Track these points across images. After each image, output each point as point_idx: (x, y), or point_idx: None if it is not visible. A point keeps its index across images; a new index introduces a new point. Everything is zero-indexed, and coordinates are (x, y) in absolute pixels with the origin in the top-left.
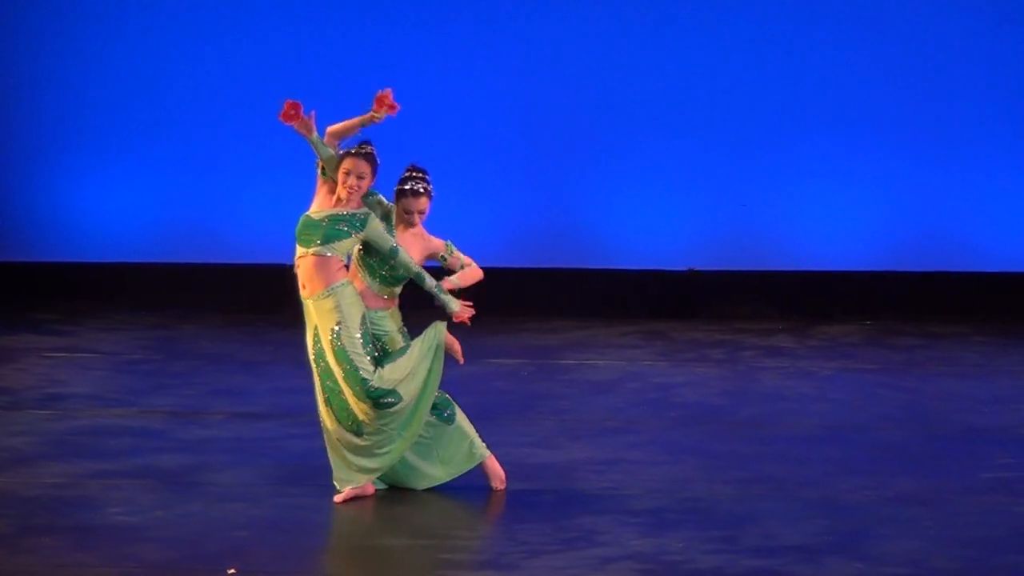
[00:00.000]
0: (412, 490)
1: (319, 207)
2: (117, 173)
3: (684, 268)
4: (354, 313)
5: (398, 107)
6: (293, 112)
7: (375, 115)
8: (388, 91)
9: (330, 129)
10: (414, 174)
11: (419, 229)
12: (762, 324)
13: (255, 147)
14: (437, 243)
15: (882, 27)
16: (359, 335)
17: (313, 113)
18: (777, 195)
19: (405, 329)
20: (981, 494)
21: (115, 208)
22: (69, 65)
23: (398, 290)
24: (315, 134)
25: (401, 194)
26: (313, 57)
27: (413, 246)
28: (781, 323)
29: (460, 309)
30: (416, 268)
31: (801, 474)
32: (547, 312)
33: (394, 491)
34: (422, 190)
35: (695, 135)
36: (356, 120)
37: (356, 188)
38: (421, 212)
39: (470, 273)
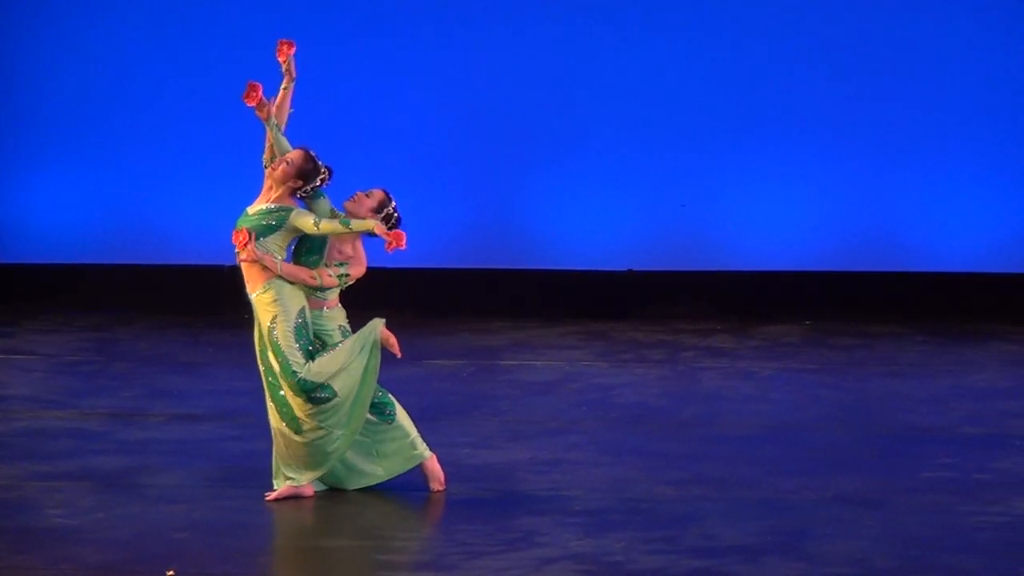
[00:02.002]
0: (352, 491)
1: (257, 202)
2: (53, 174)
3: (623, 268)
4: (291, 306)
5: (293, 46)
6: (253, 93)
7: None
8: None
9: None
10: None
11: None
12: (702, 324)
13: (194, 146)
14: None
15: (822, 27)
16: (293, 327)
17: (273, 99)
18: (716, 195)
19: (348, 327)
20: (922, 494)
21: (52, 209)
22: (11, 68)
23: (330, 293)
24: (273, 119)
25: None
26: (259, 57)
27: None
28: (720, 323)
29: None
30: (343, 220)
31: (742, 474)
32: (486, 312)
33: (334, 492)
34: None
35: (634, 135)
36: (279, 93)
37: (282, 173)
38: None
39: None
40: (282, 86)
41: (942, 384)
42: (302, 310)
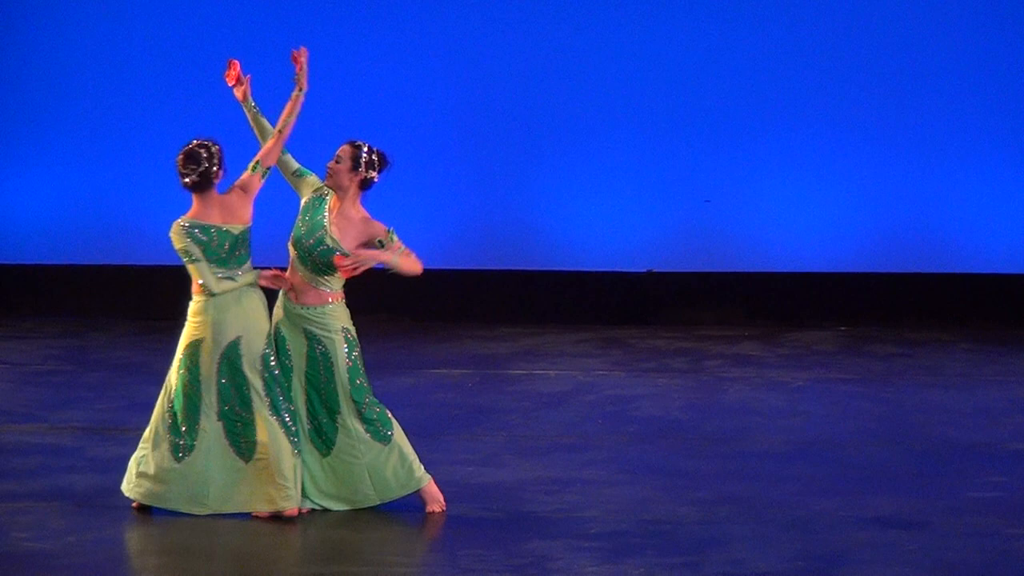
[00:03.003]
0: (347, 512)
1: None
2: (25, 173)
3: (643, 270)
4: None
5: (305, 52)
6: (231, 71)
7: (298, 84)
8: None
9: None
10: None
11: (362, 214)
12: (728, 330)
13: (170, 142)
14: (378, 227)
15: (852, 21)
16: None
17: (248, 76)
18: (743, 191)
19: (352, 331)
20: (966, 515)
21: (19, 206)
22: None
23: (335, 283)
24: (251, 101)
25: None
26: (249, 53)
27: (350, 231)
28: (748, 329)
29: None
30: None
31: (771, 494)
32: (494, 318)
33: (328, 513)
34: (356, 144)
35: (655, 127)
36: (289, 102)
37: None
38: (337, 158)
39: (408, 262)
40: (292, 94)
41: (989, 396)
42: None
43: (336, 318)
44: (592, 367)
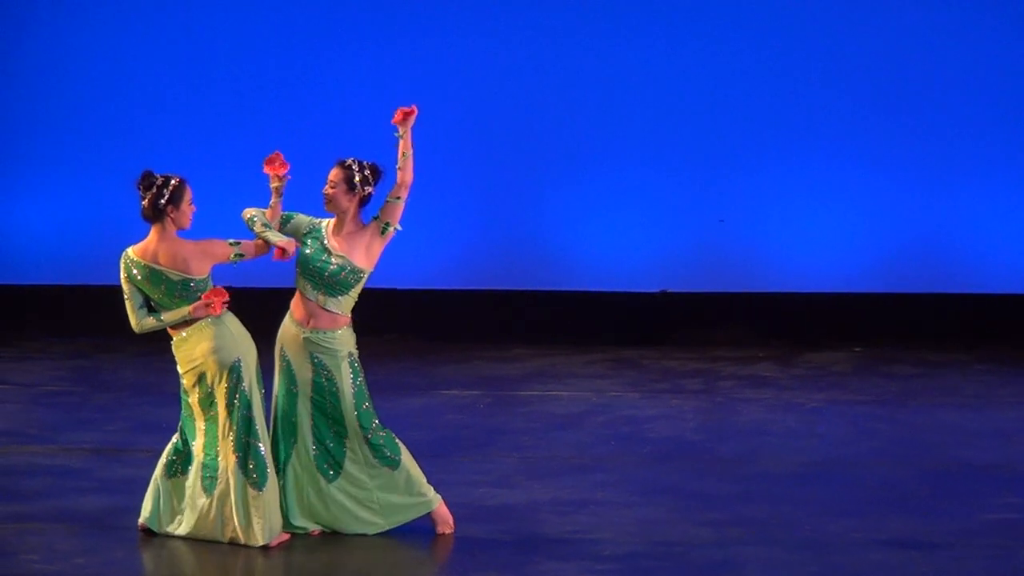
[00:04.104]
0: (350, 534)
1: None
2: (35, 193)
3: (656, 290)
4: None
5: (287, 166)
6: (275, 164)
7: (274, 184)
8: (277, 154)
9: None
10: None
11: (362, 225)
12: (742, 351)
13: (181, 163)
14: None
15: (864, 43)
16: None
17: (288, 168)
18: (757, 210)
19: (356, 356)
20: (983, 537)
21: (29, 226)
22: None
23: (345, 306)
24: (281, 194)
25: None
26: (263, 72)
27: (358, 245)
28: (763, 350)
29: (283, 243)
30: (253, 220)
31: (786, 516)
32: (505, 339)
33: (336, 536)
34: (346, 164)
35: (668, 146)
36: (272, 201)
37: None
38: (331, 183)
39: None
40: (271, 202)
41: (1006, 417)
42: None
43: (343, 343)
44: (605, 388)
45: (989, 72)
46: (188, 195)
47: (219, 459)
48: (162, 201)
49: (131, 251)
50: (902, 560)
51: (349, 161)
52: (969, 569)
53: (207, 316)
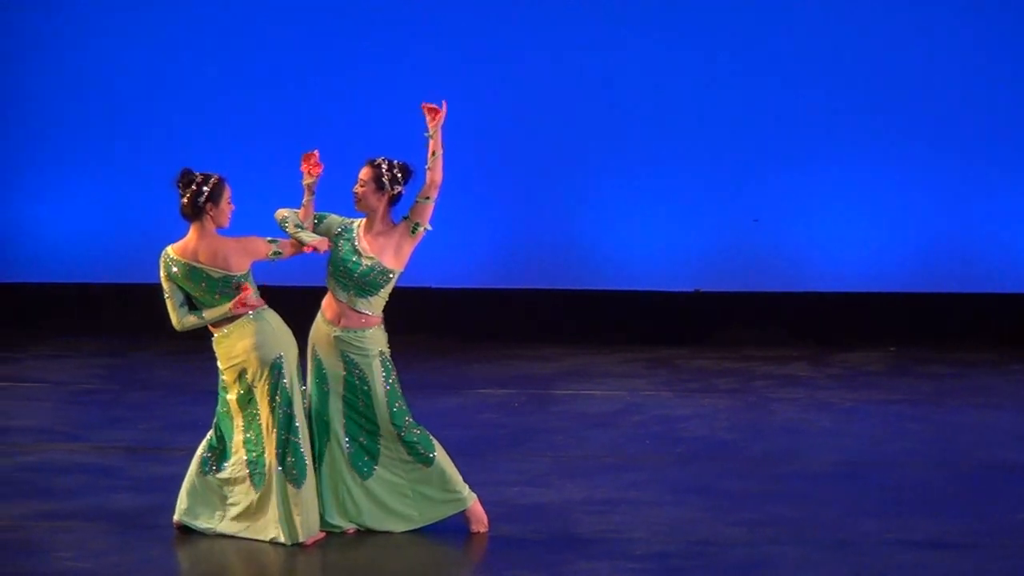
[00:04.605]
0: (386, 533)
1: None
2: (69, 190)
3: (690, 289)
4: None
5: (321, 167)
6: (311, 161)
7: (306, 180)
8: (315, 152)
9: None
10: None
11: (392, 225)
12: (776, 351)
13: (214, 160)
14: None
15: (898, 46)
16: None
17: (322, 167)
18: (791, 210)
19: (388, 355)
20: (1015, 537)
21: (62, 224)
22: (21, 83)
23: (375, 306)
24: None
25: None
26: (293, 72)
27: (388, 246)
28: (796, 350)
29: (315, 243)
30: (286, 221)
31: (818, 516)
32: (539, 338)
33: (370, 534)
34: (376, 163)
35: (702, 146)
36: (305, 199)
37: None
38: (360, 182)
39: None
40: (303, 200)
41: None
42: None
43: (374, 342)
44: (639, 387)
45: (1019, 71)
46: (227, 193)
47: (264, 456)
48: (201, 199)
49: (170, 249)
50: (935, 560)
51: (379, 160)
52: (1002, 569)
53: (247, 312)
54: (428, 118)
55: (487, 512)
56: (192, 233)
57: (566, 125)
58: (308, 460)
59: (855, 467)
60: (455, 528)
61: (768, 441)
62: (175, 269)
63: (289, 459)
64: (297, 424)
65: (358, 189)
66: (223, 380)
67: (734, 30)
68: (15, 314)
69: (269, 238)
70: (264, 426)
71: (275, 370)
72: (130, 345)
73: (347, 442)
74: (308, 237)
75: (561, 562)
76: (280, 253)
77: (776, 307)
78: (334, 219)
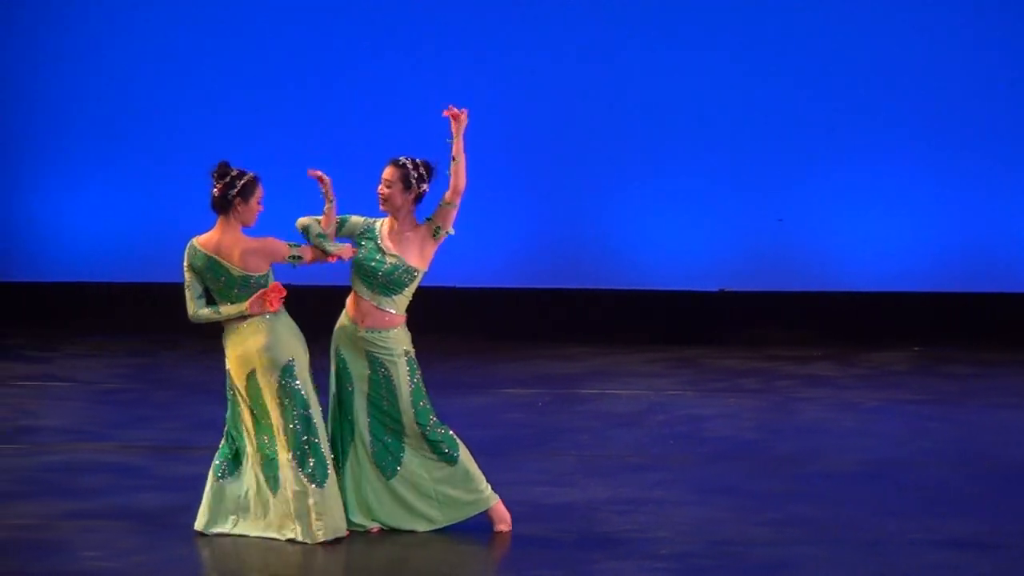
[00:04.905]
0: (409, 532)
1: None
2: (96, 190)
3: (715, 289)
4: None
5: (328, 179)
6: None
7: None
8: (317, 172)
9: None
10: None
11: (416, 224)
12: (800, 350)
13: (242, 159)
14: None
15: (921, 48)
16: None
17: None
18: (816, 210)
19: (413, 354)
20: None
21: (90, 224)
22: (47, 84)
23: (399, 305)
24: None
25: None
26: (301, 69)
27: (411, 246)
28: (821, 349)
29: (338, 251)
30: (308, 229)
31: (843, 516)
32: (564, 337)
33: (395, 533)
34: (400, 163)
35: (727, 145)
36: (325, 207)
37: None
38: (387, 183)
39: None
40: (324, 208)
41: None
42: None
43: (399, 341)
44: (663, 387)
45: None
46: (259, 193)
47: (278, 457)
48: (232, 192)
49: (196, 240)
50: (960, 560)
51: (403, 160)
52: None
53: (263, 312)
54: (452, 124)
55: (511, 511)
56: (217, 226)
57: (593, 125)
58: (329, 460)
59: (879, 467)
60: (479, 527)
61: (792, 441)
62: (197, 261)
63: (310, 460)
64: (315, 423)
65: (384, 190)
66: (231, 381)
67: (762, 31)
68: (43, 314)
69: (291, 243)
70: (275, 427)
71: (286, 373)
72: (156, 345)
73: (371, 441)
74: (332, 246)
75: (586, 561)
76: (300, 258)
77: (801, 307)
78: (356, 220)
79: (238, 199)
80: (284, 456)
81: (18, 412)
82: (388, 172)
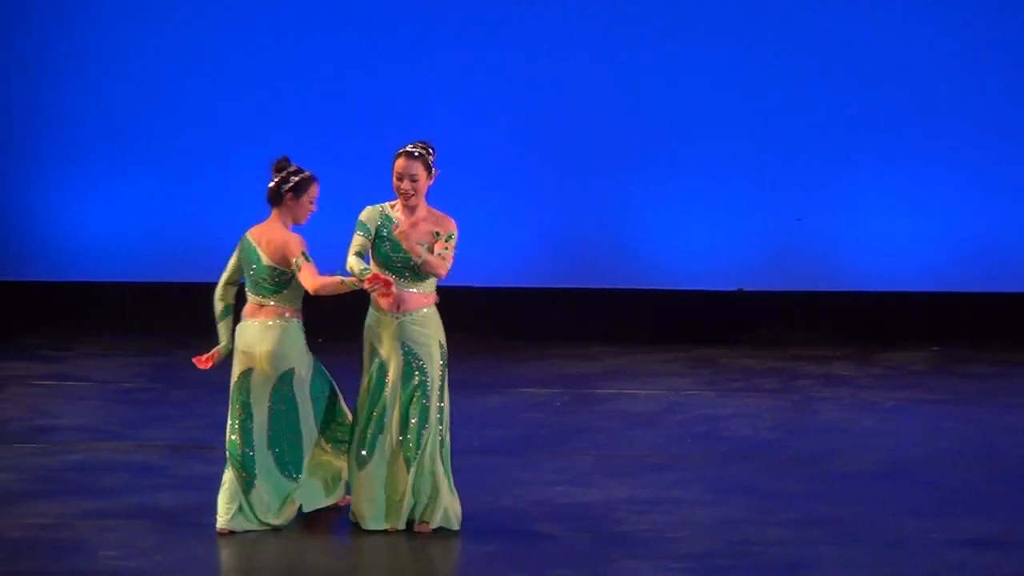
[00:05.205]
0: (436, 529)
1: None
2: (112, 189)
3: (733, 288)
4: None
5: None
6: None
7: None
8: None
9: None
10: (418, 142)
11: (430, 211)
12: (819, 350)
13: (257, 156)
14: (448, 223)
15: (941, 46)
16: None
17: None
18: (835, 209)
19: (444, 344)
20: None
21: (105, 223)
22: (63, 81)
23: (428, 284)
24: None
25: (395, 156)
26: (322, 70)
27: (423, 230)
28: (839, 349)
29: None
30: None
31: (862, 515)
32: (582, 337)
33: (407, 532)
34: (417, 153)
35: (745, 144)
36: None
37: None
38: (412, 177)
39: (435, 262)
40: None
41: None
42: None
43: (436, 325)
44: (682, 387)
45: None
46: (312, 192)
47: (256, 454)
48: (285, 187)
49: (250, 229)
50: (978, 560)
51: (417, 149)
52: None
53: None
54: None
55: (528, 511)
56: (269, 218)
57: (611, 124)
58: (306, 457)
59: (899, 467)
60: (499, 527)
61: (811, 440)
62: (243, 246)
63: (287, 458)
64: (301, 428)
65: (408, 184)
66: (234, 374)
67: (779, 30)
68: (60, 313)
69: (306, 254)
70: (257, 427)
71: (282, 381)
72: (172, 344)
73: (398, 431)
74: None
75: (604, 561)
76: (299, 268)
77: (819, 306)
78: (370, 214)
79: (289, 194)
80: (265, 455)
81: (35, 412)
82: (410, 166)
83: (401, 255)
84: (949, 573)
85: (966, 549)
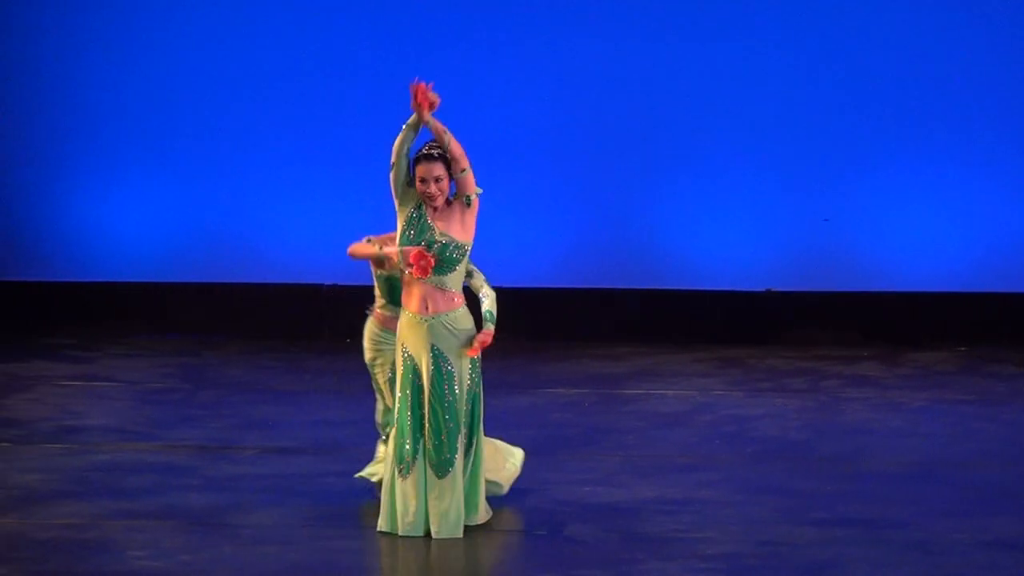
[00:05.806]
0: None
1: None
2: (139, 188)
3: (761, 289)
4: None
5: (435, 100)
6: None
7: (420, 118)
8: (422, 85)
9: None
10: (433, 143)
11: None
12: (847, 350)
13: (288, 156)
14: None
15: (971, 46)
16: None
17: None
18: (862, 209)
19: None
20: None
21: (134, 223)
22: (90, 79)
23: (456, 283)
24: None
25: (415, 162)
26: (346, 67)
27: (452, 220)
28: (867, 349)
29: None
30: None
31: (891, 515)
32: (610, 337)
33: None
34: (436, 154)
35: (772, 143)
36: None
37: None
38: (437, 179)
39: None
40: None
41: None
42: None
43: (468, 324)
44: (710, 387)
45: None
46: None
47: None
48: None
49: None
50: (1007, 560)
51: (435, 150)
52: None
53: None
54: (423, 110)
55: (556, 511)
56: None
57: (638, 125)
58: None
59: (927, 467)
60: (527, 527)
61: (839, 440)
62: None
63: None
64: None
65: (435, 188)
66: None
67: (807, 29)
68: (88, 313)
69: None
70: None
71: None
72: (200, 345)
73: (430, 437)
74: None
75: (632, 561)
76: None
77: (847, 306)
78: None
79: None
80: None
81: (63, 412)
82: (433, 168)
83: (425, 238)
84: (978, 574)
85: (995, 550)
